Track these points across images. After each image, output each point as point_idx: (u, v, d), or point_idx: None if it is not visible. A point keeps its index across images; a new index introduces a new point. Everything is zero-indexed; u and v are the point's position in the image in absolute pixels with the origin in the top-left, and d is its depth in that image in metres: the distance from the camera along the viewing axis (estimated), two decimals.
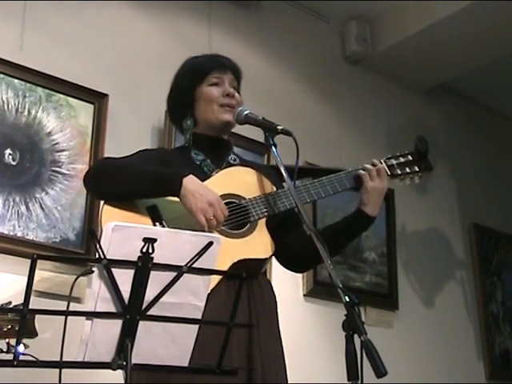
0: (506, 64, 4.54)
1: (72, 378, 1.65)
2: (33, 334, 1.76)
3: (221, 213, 2.01)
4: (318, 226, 3.69)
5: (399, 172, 2.32)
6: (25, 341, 1.64)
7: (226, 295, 1.98)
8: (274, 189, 2.21)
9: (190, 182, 2.02)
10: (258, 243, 2.11)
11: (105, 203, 2.06)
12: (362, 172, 2.23)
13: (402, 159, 2.34)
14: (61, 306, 2.61)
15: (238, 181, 2.20)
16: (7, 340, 1.69)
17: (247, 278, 2.04)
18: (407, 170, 2.33)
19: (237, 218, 2.10)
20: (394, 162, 2.32)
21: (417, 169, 2.35)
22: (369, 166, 2.25)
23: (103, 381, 2.18)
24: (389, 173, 2.29)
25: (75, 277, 1.62)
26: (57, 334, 2.41)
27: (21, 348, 1.53)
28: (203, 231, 1.91)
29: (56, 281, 2.74)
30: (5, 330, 1.68)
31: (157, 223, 2.04)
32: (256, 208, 2.13)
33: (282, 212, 2.16)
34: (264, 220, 2.15)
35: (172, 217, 2.06)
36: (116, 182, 2.06)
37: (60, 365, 1.49)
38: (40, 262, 1.43)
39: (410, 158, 2.35)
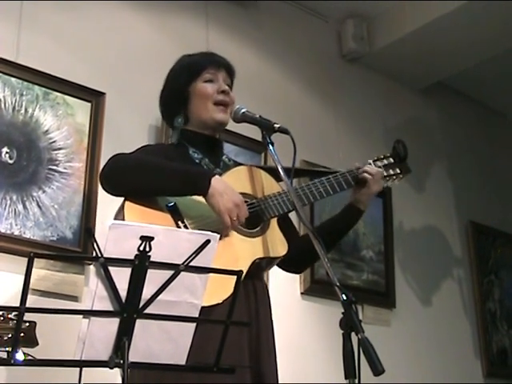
0: (504, 62, 4.54)
1: (70, 377, 1.65)
2: (33, 343, 1.73)
3: (243, 214, 2.04)
4: (316, 223, 3.69)
5: (385, 174, 2.37)
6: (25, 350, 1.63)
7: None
8: (280, 188, 2.22)
9: (218, 181, 2.03)
10: (274, 241, 2.13)
11: (126, 199, 2.03)
12: (368, 176, 2.27)
13: (385, 161, 2.39)
14: (58, 304, 2.63)
15: (246, 180, 2.21)
16: (8, 348, 1.67)
17: (253, 277, 2.08)
18: (391, 171, 2.39)
19: (251, 216, 2.11)
20: (379, 164, 2.37)
21: (398, 171, 2.39)
22: (371, 170, 2.29)
23: (100, 379, 2.18)
24: None
25: (72, 275, 1.62)
26: (54, 334, 2.41)
27: (21, 356, 1.52)
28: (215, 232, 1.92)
29: (53, 279, 2.73)
30: (5, 338, 1.67)
31: (178, 222, 2.04)
32: (268, 207, 2.16)
33: (291, 211, 2.18)
34: (275, 219, 2.17)
35: (191, 216, 2.07)
36: (142, 178, 2.03)
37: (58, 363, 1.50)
38: (37, 261, 1.43)
39: (391, 160, 2.40)
